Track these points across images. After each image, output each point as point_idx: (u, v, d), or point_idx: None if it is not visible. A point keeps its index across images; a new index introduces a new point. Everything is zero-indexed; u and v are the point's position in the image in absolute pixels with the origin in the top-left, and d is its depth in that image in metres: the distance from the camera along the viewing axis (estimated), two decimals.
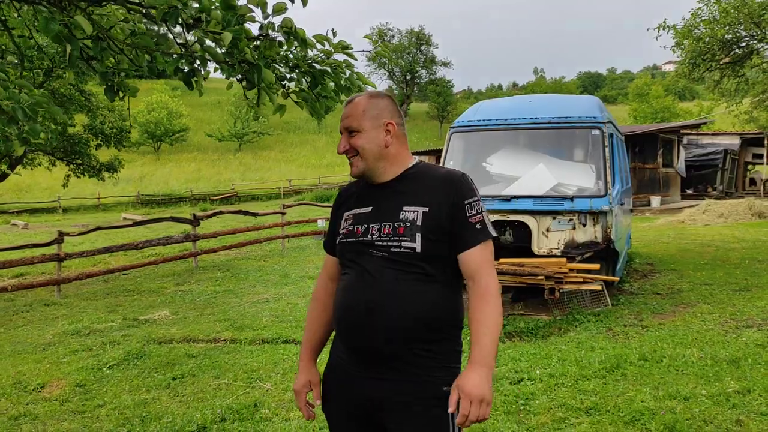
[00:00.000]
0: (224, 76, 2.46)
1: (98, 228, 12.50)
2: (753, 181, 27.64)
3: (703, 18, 11.48)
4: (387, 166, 2.14)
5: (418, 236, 2.00)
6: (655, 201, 21.38)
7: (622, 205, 8.00)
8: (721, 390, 4.49)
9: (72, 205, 38.45)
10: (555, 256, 7.07)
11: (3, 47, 2.94)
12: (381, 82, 77.80)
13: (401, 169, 2.16)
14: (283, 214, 15.88)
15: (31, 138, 2.05)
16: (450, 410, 1.94)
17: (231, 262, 13.50)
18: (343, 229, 2.19)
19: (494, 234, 2.09)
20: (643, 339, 5.97)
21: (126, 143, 14.91)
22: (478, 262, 2.02)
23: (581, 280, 6.91)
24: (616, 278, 7.39)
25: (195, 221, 13.31)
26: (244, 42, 2.34)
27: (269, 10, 2.36)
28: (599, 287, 7.09)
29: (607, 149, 7.27)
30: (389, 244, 2.03)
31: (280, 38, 2.56)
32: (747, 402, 4.28)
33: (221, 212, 15.38)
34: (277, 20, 2.48)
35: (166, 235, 14.36)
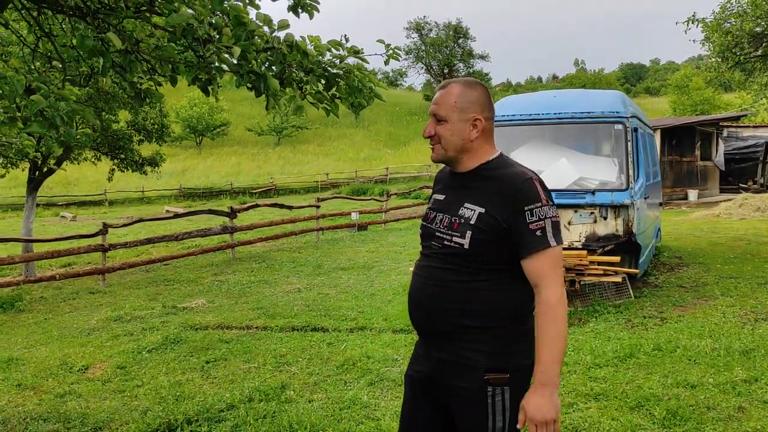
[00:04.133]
0: (236, 86, 2.75)
1: (140, 220, 13.03)
2: None
3: (732, 11, 11.37)
4: (466, 159, 2.19)
5: (469, 234, 2.08)
6: (692, 194, 21.08)
7: (646, 198, 8.07)
8: (729, 379, 4.62)
9: (118, 198, 39.67)
10: (576, 248, 7.21)
11: (48, 54, 3.27)
12: (419, 76, 77.70)
13: (479, 162, 2.19)
14: (318, 207, 16.23)
15: (68, 140, 2.35)
16: (518, 426, 2.07)
17: (266, 254, 13.90)
18: (427, 209, 2.34)
19: (555, 242, 2.05)
20: (661, 330, 6.08)
21: (167, 138, 15.40)
22: (538, 271, 2.04)
23: (602, 272, 7.03)
24: (636, 271, 7.48)
25: (232, 214, 13.74)
26: (252, 54, 2.61)
27: (275, 25, 2.64)
28: (620, 279, 7.20)
29: (630, 143, 7.36)
30: (444, 236, 2.16)
31: (285, 51, 2.83)
32: (752, 390, 4.41)
33: (257, 205, 15.81)
34: (281, 35, 2.77)
35: (206, 227, 14.86)
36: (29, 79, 2.46)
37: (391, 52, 3.52)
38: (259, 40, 2.68)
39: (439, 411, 2.26)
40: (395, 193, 22.45)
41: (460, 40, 75.38)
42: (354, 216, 17.11)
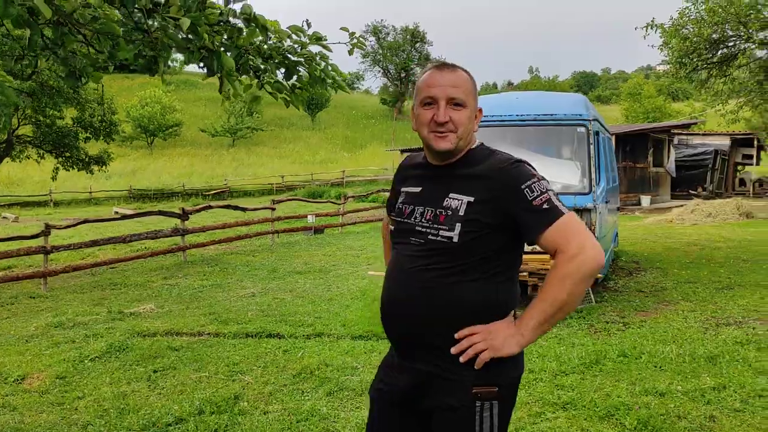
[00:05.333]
0: (184, 62, 2.46)
1: (86, 221, 12.46)
2: (742, 182, 27.78)
3: (690, 17, 11.55)
4: (462, 150, 2.02)
5: (458, 226, 1.90)
6: (645, 200, 21.47)
7: (607, 203, 8.02)
8: (697, 386, 4.53)
9: (64, 199, 38.29)
10: (539, 252, 7.09)
11: None
12: (375, 79, 77.67)
13: (463, 152, 2.03)
14: (273, 209, 15.86)
15: None
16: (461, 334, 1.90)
17: (220, 257, 13.48)
18: (397, 206, 2.13)
19: (566, 211, 1.87)
20: (624, 336, 6.00)
21: (115, 137, 14.83)
22: (559, 241, 1.84)
23: None
24: (599, 275, 7.42)
25: (184, 215, 13.28)
26: (204, 28, 2.34)
27: None
28: None
29: (592, 147, 7.29)
30: (428, 230, 1.96)
31: (240, 25, 2.57)
32: (722, 398, 4.32)
33: (210, 206, 15.35)
34: (237, 7, 2.50)
35: (156, 229, 14.32)
36: None
37: (355, 41, 3.28)
38: (212, 13, 2.40)
39: (415, 428, 2.05)
40: (352, 196, 22.20)
41: (417, 45, 75.69)
42: (310, 219, 16.79)
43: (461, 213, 1.92)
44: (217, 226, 14.97)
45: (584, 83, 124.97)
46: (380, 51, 75.52)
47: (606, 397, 4.41)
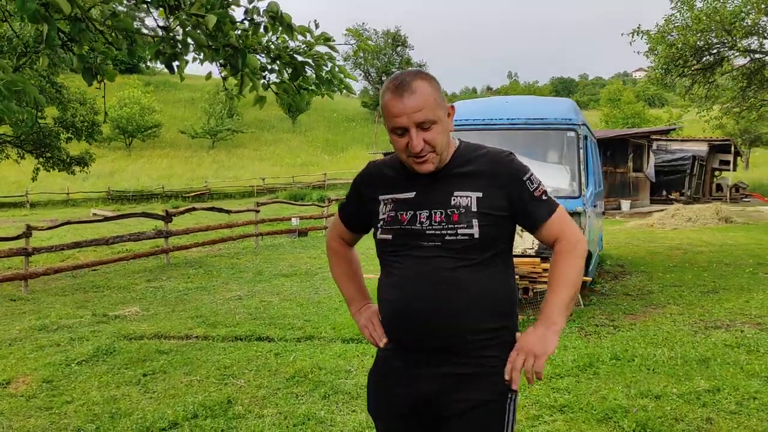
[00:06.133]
0: (206, 62, 2.41)
1: (68, 222, 12.27)
2: (719, 187, 28.24)
3: (676, 24, 11.70)
4: (447, 159, 1.96)
5: (475, 222, 1.89)
6: (625, 205, 21.70)
7: (594, 207, 8.09)
8: (692, 389, 4.57)
9: (40, 200, 37.72)
10: (529, 256, 7.12)
11: None
12: (356, 82, 77.59)
13: (450, 153, 1.97)
14: (257, 211, 15.76)
15: (6, 117, 2.01)
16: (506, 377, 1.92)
17: (203, 259, 13.36)
18: (383, 214, 2.01)
19: (557, 201, 2.03)
20: (615, 338, 6.04)
21: (97, 137, 14.61)
22: (558, 228, 1.98)
23: None
24: (589, 278, 7.47)
25: (167, 217, 13.13)
26: (228, 26, 2.29)
27: None
28: None
29: (581, 151, 7.34)
30: (443, 232, 1.91)
31: (265, 23, 2.53)
32: (717, 400, 4.36)
33: (194, 209, 15.21)
34: (262, 5, 2.46)
35: (138, 231, 14.14)
36: None
37: (361, 42, 3.27)
38: (233, 12, 2.37)
39: None
40: (336, 199, 22.14)
41: (399, 48, 75.79)
42: (295, 221, 16.71)
43: (474, 209, 1.92)
44: (201, 228, 14.83)
45: (562, 89, 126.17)
46: (361, 54, 75.49)
47: (602, 400, 4.42)
